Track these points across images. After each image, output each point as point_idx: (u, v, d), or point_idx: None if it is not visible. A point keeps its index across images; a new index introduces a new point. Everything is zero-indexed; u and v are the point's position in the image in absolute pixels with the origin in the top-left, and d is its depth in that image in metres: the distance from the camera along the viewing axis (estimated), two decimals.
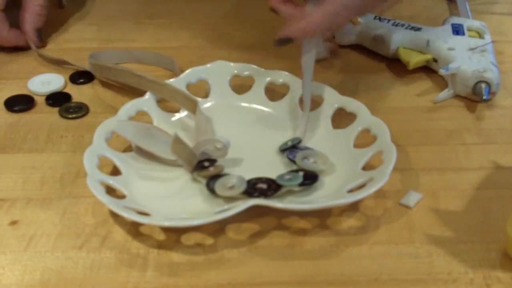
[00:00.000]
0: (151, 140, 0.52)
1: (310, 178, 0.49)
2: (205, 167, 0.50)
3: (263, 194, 0.47)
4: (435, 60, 0.63)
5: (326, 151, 0.52)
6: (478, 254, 0.45)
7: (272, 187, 0.48)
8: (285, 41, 0.54)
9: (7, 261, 0.45)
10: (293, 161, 0.51)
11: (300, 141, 0.53)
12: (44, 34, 0.69)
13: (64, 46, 0.68)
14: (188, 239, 0.47)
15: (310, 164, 0.50)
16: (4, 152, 0.54)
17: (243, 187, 0.48)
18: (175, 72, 0.62)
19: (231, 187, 0.48)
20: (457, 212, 0.49)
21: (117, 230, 0.47)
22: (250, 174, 0.49)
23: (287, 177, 0.49)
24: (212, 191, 0.48)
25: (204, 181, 0.49)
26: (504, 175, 0.52)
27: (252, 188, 0.48)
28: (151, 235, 0.47)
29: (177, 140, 0.50)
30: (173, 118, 0.56)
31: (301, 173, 0.49)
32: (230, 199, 0.48)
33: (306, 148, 0.52)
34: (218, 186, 0.48)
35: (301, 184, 0.48)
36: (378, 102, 0.60)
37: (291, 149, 0.52)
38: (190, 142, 0.52)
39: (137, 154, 0.52)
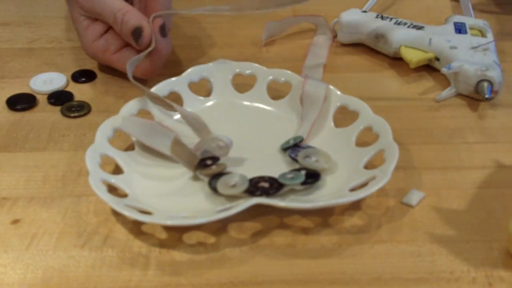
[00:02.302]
0: (154, 137, 0.52)
1: (312, 177, 0.49)
2: (208, 165, 0.50)
3: (265, 193, 0.47)
4: (437, 59, 0.63)
5: (328, 150, 0.52)
6: (480, 253, 0.45)
7: (274, 185, 0.48)
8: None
9: (9, 260, 0.45)
10: (295, 160, 0.51)
11: (302, 140, 0.53)
12: (46, 34, 0.70)
13: (66, 45, 0.68)
14: (190, 237, 0.47)
15: (312, 162, 0.50)
16: (6, 151, 0.55)
17: (245, 185, 0.48)
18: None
19: (233, 186, 0.48)
20: (459, 211, 0.49)
21: (119, 228, 0.47)
22: (252, 172, 0.49)
23: (289, 176, 0.49)
24: (214, 189, 0.48)
25: (206, 179, 0.49)
26: (506, 174, 0.52)
27: (254, 186, 0.48)
28: (153, 234, 0.47)
29: (176, 142, 0.50)
30: (175, 117, 0.56)
31: (303, 172, 0.49)
32: (232, 198, 0.48)
33: (308, 147, 0.52)
34: (220, 184, 0.48)
35: (303, 183, 0.48)
36: (380, 100, 0.60)
37: (293, 147, 0.52)
38: (193, 140, 0.52)
39: (139, 153, 0.52)
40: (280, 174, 0.49)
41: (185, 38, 0.69)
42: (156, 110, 0.55)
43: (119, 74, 0.63)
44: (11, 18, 0.73)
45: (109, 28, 0.60)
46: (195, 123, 0.54)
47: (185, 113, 0.54)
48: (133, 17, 0.58)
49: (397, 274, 0.44)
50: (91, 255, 0.45)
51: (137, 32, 0.57)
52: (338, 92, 0.56)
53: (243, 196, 0.48)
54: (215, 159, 0.51)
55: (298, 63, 0.64)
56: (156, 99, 0.55)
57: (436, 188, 0.51)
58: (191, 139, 0.53)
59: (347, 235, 0.47)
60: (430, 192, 0.50)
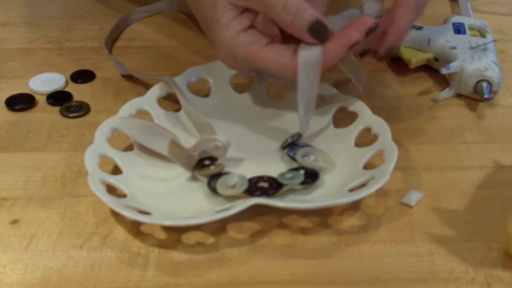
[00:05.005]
0: (152, 137, 0.52)
1: (311, 177, 0.49)
2: (206, 165, 0.50)
3: (265, 193, 0.47)
4: (436, 59, 0.63)
5: (327, 150, 0.52)
6: (479, 253, 0.45)
7: (273, 185, 0.48)
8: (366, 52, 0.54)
9: (8, 260, 0.45)
10: (293, 159, 0.51)
11: (299, 137, 0.53)
12: (45, 34, 0.70)
13: (65, 45, 0.68)
14: (189, 238, 0.47)
15: (310, 161, 0.50)
16: (5, 151, 0.55)
17: (244, 186, 0.48)
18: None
19: (233, 186, 0.48)
20: (458, 211, 0.49)
21: (118, 229, 0.47)
22: (251, 173, 0.49)
23: (288, 175, 0.49)
24: (213, 190, 0.48)
25: (205, 180, 0.49)
26: (505, 174, 0.52)
27: (254, 186, 0.48)
28: (152, 234, 0.47)
29: (173, 144, 0.50)
30: (174, 117, 0.56)
31: (302, 171, 0.49)
32: (231, 198, 0.48)
33: (306, 145, 0.52)
34: (220, 185, 0.48)
35: (302, 183, 0.48)
36: (379, 101, 0.60)
37: (291, 146, 0.52)
38: (191, 141, 0.52)
39: (138, 153, 0.52)
40: (279, 174, 0.49)
41: (185, 38, 0.69)
42: (154, 110, 0.55)
43: (118, 74, 0.63)
44: (10, 18, 0.73)
45: (252, 25, 0.53)
46: (198, 123, 0.54)
47: (190, 110, 0.54)
48: (310, 9, 0.51)
49: (396, 274, 0.44)
50: (90, 255, 0.45)
51: (316, 27, 0.50)
52: (338, 93, 0.56)
53: (242, 196, 0.47)
54: (213, 159, 0.51)
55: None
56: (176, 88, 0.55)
57: (435, 188, 0.51)
58: (188, 140, 0.53)
59: (346, 235, 0.47)
60: (429, 192, 0.50)
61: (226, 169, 0.50)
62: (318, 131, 0.55)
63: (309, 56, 0.50)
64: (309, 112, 0.53)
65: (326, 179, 0.50)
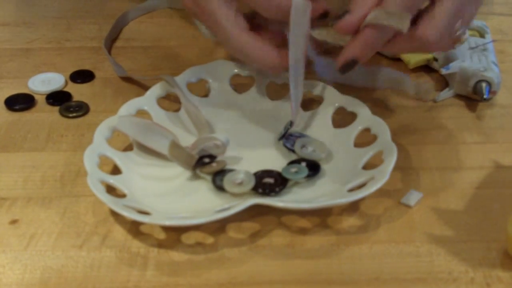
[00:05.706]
0: (151, 136, 0.52)
1: (314, 168, 0.50)
2: (206, 163, 0.50)
3: (272, 190, 0.47)
4: (435, 59, 0.63)
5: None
6: (478, 253, 0.45)
7: (278, 181, 0.48)
8: (350, 65, 0.50)
9: (7, 260, 0.45)
10: (291, 150, 0.51)
11: (291, 123, 0.53)
12: (44, 34, 0.70)
13: (65, 45, 0.68)
14: (189, 238, 0.47)
15: (310, 153, 0.51)
16: (4, 151, 0.54)
17: (252, 183, 0.48)
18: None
19: (240, 184, 0.48)
20: (457, 211, 0.49)
21: (117, 229, 0.47)
22: (251, 169, 0.49)
23: (293, 170, 0.49)
24: (219, 187, 0.48)
25: (208, 177, 0.49)
26: (504, 174, 0.52)
27: (260, 183, 0.48)
28: (151, 234, 0.47)
29: (173, 145, 0.50)
30: (173, 117, 0.56)
31: (304, 164, 0.50)
32: (232, 196, 0.48)
33: (301, 135, 0.52)
34: (227, 182, 0.48)
35: (306, 176, 0.49)
36: (379, 101, 0.60)
37: (286, 137, 0.52)
38: (190, 140, 0.52)
39: (137, 153, 0.52)
40: (283, 169, 0.49)
41: (185, 38, 0.69)
42: (154, 110, 0.55)
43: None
44: (10, 19, 0.73)
45: None
46: (197, 121, 0.54)
47: (189, 108, 0.54)
48: None
49: (396, 274, 0.44)
50: (90, 256, 0.45)
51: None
52: (337, 93, 0.56)
53: (247, 193, 0.48)
54: (212, 157, 0.51)
55: None
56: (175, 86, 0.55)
57: (434, 188, 0.51)
58: (187, 139, 0.53)
59: (346, 235, 0.47)
60: (428, 193, 0.50)
61: (227, 167, 0.50)
62: (318, 131, 0.55)
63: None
64: (299, 88, 0.53)
65: (326, 179, 0.50)
